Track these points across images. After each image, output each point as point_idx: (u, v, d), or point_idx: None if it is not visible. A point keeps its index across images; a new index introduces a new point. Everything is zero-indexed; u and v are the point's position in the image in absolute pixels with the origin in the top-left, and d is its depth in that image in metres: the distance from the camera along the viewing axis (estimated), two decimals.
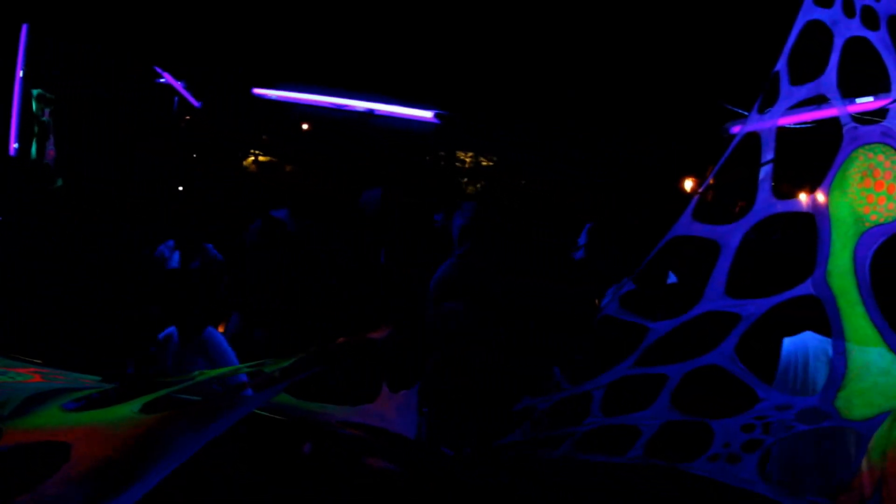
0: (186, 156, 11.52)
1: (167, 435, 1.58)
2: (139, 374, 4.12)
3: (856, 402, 2.75)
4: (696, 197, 2.99)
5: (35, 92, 8.86)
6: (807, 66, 2.86)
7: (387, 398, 2.57)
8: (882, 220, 2.70)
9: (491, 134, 12.65)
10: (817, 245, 2.80)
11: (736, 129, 3.26)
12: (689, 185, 10.66)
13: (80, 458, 1.52)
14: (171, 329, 4.09)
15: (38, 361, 2.34)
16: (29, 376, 2.16)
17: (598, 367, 3.06)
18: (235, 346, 4.18)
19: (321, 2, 11.26)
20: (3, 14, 8.62)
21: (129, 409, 1.73)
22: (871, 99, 3.88)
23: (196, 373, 2.40)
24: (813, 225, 2.82)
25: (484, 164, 13.69)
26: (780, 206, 2.88)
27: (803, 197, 2.89)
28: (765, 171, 2.89)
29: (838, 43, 2.83)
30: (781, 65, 2.88)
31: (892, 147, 2.70)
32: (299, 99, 12.54)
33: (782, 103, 2.89)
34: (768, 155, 2.90)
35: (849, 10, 2.81)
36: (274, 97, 12.46)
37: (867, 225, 2.72)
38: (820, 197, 2.83)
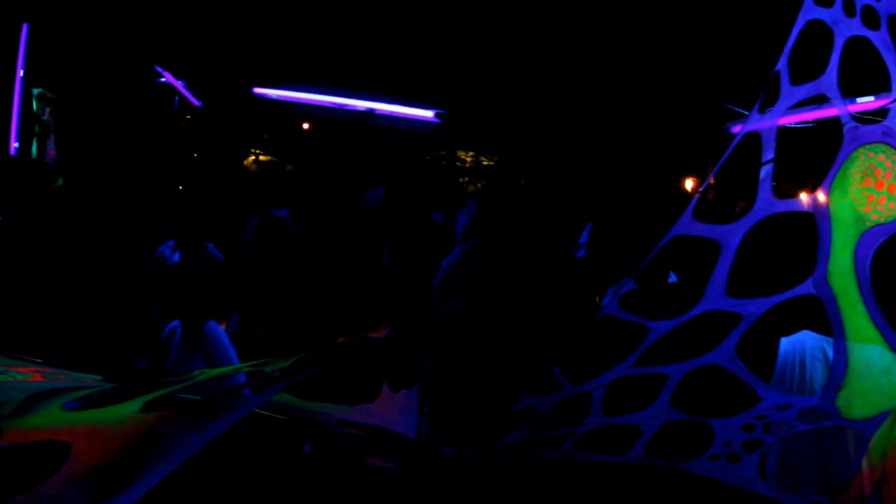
0: (187, 156, 11.51)
1: (167, 434, 1.58)
2: (153, 369, 4.13)
3: (856, 401, 2.75)
4: (697, 196, 2.99)
5: (35, 91, 8.85)
6: (807, 66, 2.86)
7: (387, 398, 2.56)
8: (883, 220, 2.70)
9: (491, 134, 12.65)
10: (818, 245, 2.80)
11: (736, 129, 3.26)
12: (689, 184, 10.67)
13: (80, 457, 1.52)
14: (175, 323, 4.12)
15: (39, 361, 2.34)
16: (30, 375, 2.16)
17: (599, 367, 3.06)
18: (235, 346, 4.19)
19: (321, 2, 11.26)
20: (3, 14, 8.62)
21: (129, 409, 1.73)
22: (871, 98, 3.89)
23: (197, 372, 2.40)
24: (813, 224, 2.81)
25: (485, 163, 13.70)
26: (781, 206, 2.87)
27: (804, 196, 2.89)
28: (765, 171, 2.89)
29: (839, 42, 2.83)
30: (782, 64, 2.88)
31: (892, 147, 2.70)
32: (300, 98, 12.54)
33: (783, 103, 2.89)
34: (769, 154, 2.90)
35: (849, 10, 2.80)
36: (274, 97, 12.46)
37: (868, 224, 2.72)
38: (820, 196, 2.83)
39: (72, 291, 4.51)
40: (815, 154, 3.08)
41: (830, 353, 3.54)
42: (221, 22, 10.79)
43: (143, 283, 5.10)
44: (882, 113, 2.73)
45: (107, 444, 1.56)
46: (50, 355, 2.55)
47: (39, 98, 8.86)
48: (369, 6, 11.07)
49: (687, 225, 2.95)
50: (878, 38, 2.74)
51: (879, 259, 2.70)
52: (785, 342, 3.82)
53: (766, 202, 2.88)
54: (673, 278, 4.60)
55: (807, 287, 2.81)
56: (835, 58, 2.83)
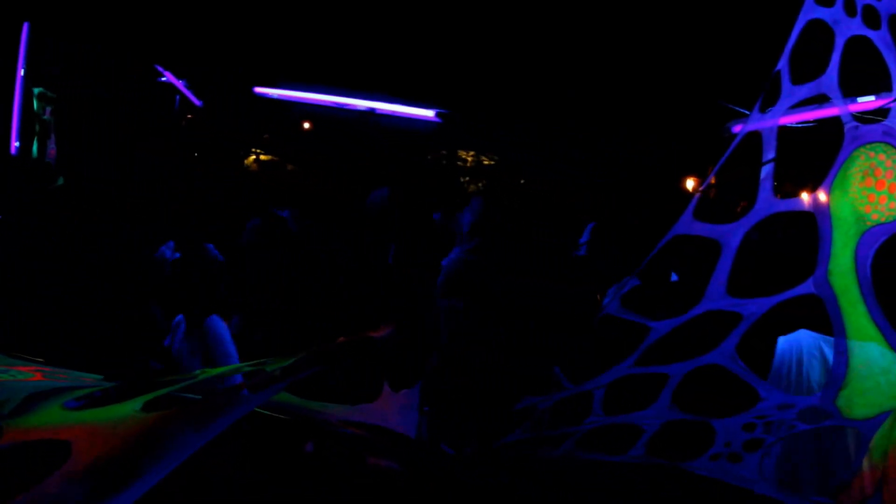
0: (187, 155, 11.50)
1: (168, 433, 1.58)
2: (165, 367, 4.14)
3: (857, 401, 2.75)
4: (697, 196, 2.99)
5: (36, 91, 8.85)
6: (808, 66, 2.86)
7: (388, 397, 2.57)
8: (883, 220, 2.70)
9: (491, 133, 12.65)
10: (818, 244, 2.80)
11: (737, 129, 3.26)
12: (690, 184, 10.66)
13: (81, 456, 1.52)
14: (180, 317, 4.13)
15: (41, 360, 2.34)
16: (30, 374, 2.16)
17: (599, 367, 3.06)
18: (235, 346, 4.19)
19: (322, 1, 11.26)
20: (3, 14, 8.62)
21: (130, 408, 1.73)
22: (872, 98, 3.88)
23: (197, 371, 2.40)
24: (814, 224, 2.82)
25: (485, 163, 13.70)
26: (782, 206, 2.88)
27: (805, 196, 2.89)
28: (766, 171, 2.89)
29: (839, 42, 2.83)
30: (783, 64, 2.88)
31: (893, 146, 2.70)
32: (300, 98, 12.54)
33: (784, 102, 2.89)
34: (769, 154, 2.90)
35: (850, 10, 2.81)
36: (275, 96, 12.45)
37: (868, 224, 2.72)
38: (821, 196, 2.83)
39: (72, 291, 4.52)
40: (816, 154, 3.08)
41: (827, 351, 3.55)
42: (221, 22, 10.79)
43: (143, 283, 5.10)
44: (883, 112, 2.73)
45: (107, 443, 1.56)
46: (50, 355, 2.55)
47: (40, 98, 8.86)
48: (369, 6, 11.07)
49: (687, 224, 2.95)
50: (879, 37, 2.74)
51: (880, 259, 2.70)
52: (782, 341, 3.82)
53: (766, 202, 2.88)
54: (674, 278, 4.59)
55: (807, 287, 2.81)
56: (835, 57, 2.84)
